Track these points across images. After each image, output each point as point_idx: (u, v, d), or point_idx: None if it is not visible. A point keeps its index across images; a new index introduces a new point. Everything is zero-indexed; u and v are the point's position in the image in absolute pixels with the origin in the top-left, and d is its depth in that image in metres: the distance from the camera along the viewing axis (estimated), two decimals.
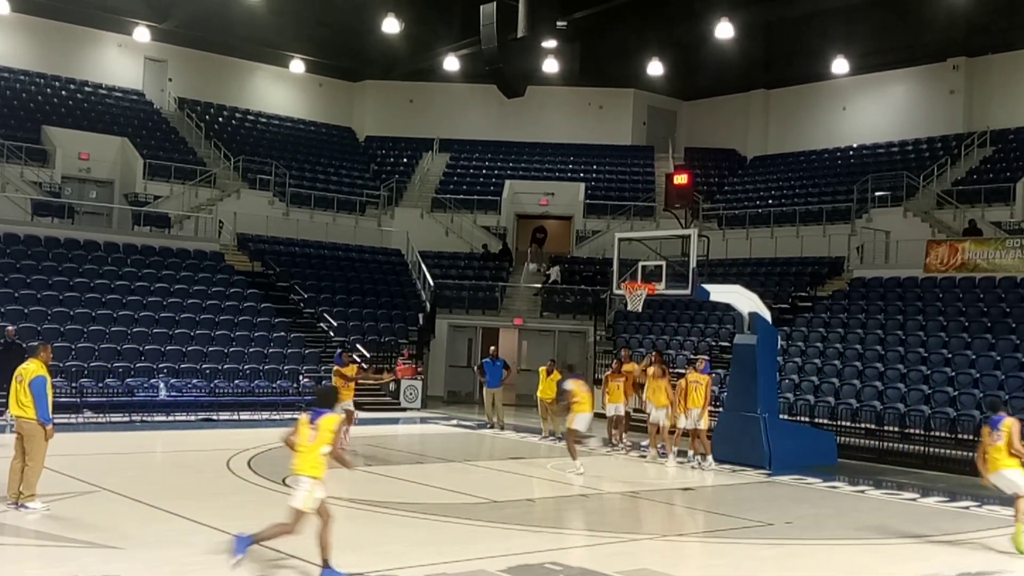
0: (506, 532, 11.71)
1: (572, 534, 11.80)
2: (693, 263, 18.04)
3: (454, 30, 33.86)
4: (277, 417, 23.20)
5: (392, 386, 26.75)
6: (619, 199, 36.07)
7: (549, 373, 21.61)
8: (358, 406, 23.62)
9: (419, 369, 27.75)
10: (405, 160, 39.51)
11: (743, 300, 19.11)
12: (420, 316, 30.63)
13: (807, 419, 21.25)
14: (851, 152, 35.74)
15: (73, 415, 20.60)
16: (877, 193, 30.87)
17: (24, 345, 18.75)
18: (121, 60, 36.06)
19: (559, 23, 29.09)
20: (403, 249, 34.68)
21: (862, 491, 16.12)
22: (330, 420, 9.28)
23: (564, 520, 12.99)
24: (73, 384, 21.37)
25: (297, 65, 38.90)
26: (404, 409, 26.39)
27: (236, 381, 23.94)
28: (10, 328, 20.64)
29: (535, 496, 15.19)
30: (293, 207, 34.05)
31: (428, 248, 34.21)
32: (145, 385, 22.56)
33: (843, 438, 20.15)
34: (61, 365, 20.78)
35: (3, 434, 15.61)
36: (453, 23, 33.77)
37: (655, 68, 36.30)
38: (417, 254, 33.49)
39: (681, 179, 28.33)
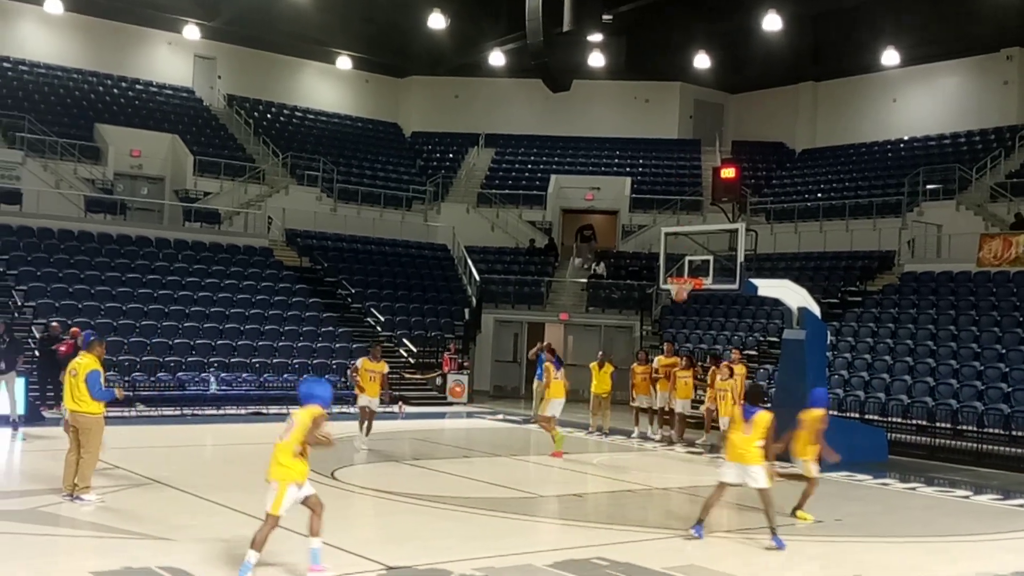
0: (553, 527, 11.72)
1: (619, 529, 11.76)
2: (741, 257, 17.91)
3: (499, 25, 33.89)
4: (328, 411, 23.33)
5: (439, 380, 26.87)
6: (665, 193, 35.89)
7: (601, 367, 21.52)
8: (405, 400, 23.82)
9: (465, 364, 27.73)
10: (451, 155, 39.64)
11: (791, 295, 18.92)
12: (466, 311, 30.73)
13: (857, 415, 21.02)
14: (902, 145, 35.23)
15: (126, 408, 20.93)
16: (929, 186, 30.42)
17: (80, 342, 19.05)
18: (171, 58, 36.57)
19: (605, 17, 28.95)
20: (449, 244, 34.80)
21: (913, 488, 15.91)
22: (763, 417, 10.91)
23: (611, 515, 12.96)
24: (126, 378, 21.69)
25: (343, 62, 39.18)
26: (450, 404, 26.49)
27: (285, 375, 24.17)
28: (54, 324, 20.99)
29: (582, 491, 15.17)
30: (340, 203, 34.30)
31: (474, 243, 34.30)
32: (196, 379, 22.87)
33: (894, 434, 19.93)
34: (114, 359, 21.12)
35: (58, 427, 15.88)
36: (498, 18, 33.80)
37: (702, 61, 36.06)
38: (463, 249, 33.59)
39: (728, 173, 28.12)
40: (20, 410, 18.32)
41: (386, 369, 18.06)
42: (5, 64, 32.99)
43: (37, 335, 21.76)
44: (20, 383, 18.63)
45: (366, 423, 17.68)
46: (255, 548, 8.53)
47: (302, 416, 8.73)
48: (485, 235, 35.50)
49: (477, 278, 31.61)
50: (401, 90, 41.55)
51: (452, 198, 36.92)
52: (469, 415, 24.99)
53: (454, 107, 40.39)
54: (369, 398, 17.72)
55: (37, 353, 20.93)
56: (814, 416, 12.47)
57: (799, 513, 12.55)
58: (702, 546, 11.09)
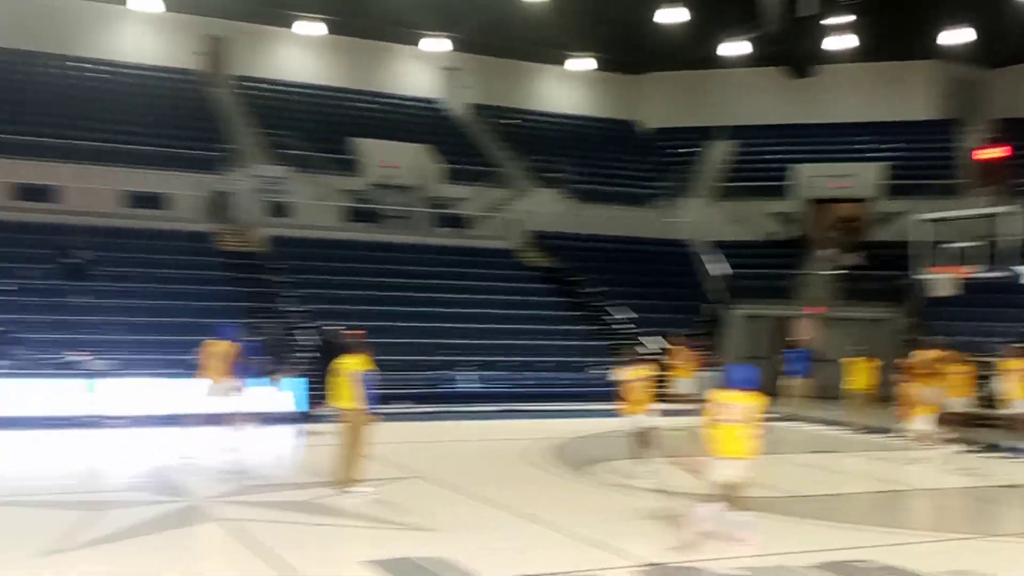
0: (812, 527, 11.36)
1: (882, 531, 11.23)
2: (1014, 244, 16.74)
3: (737, 14, 33.14)
4: (575, 408, 23.68)
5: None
6: (921, 178, 33.87)
7: (862, 362, 20.68)
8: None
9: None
10: (690, 150, 39.05)
11: None
12: (711, 307, 30.26)
13: None
14: None
15: (389, 406, 22.01)
16: None
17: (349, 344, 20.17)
18: (418, 71, 38.12)
19: None
20: (690, 240, 34.38)
21: None
22: None
23: (873, 516, 12.42)
24: (387, 378, 22.75)
25: (579, 63, 39.56)
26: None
27: (536, 373, 24.66)
28: (338, 328, 22.26)
29: (840, 491, 14.62)
30: (581, 203, 34.57)
31: (716, 238, 33.72)
32: (452, 378, 23.76)
33: None
34: (376, 359, 22.15)
35: (331, 424, 16.94)
36: (735, 6, 33.06)
37: (956, 36, 33.80)
38: (705, 244, 33.08)
39: (991, 153, 26.33)
40: (300, 407, 19.88)
41: (641, 375, 14.32)
42: (266, 85, 35.48)
43: (319, 338, 23.01)
44: (296, 383, 20.20)
45: (641, 444, 14.30)
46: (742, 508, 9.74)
47: (752, 403, 9.67)
48: (727, 229, 34.77)
49: (722, 273, 31.03)
50: (637, 87, 41.40)
51: (692, 193, 36.43)
52: None
53: (692, 101, 39.81)
54: (629, 416, 14.29)
55: (317, 354, 22.25)
56: None
57: None
58: (982, 552, 10.42)
